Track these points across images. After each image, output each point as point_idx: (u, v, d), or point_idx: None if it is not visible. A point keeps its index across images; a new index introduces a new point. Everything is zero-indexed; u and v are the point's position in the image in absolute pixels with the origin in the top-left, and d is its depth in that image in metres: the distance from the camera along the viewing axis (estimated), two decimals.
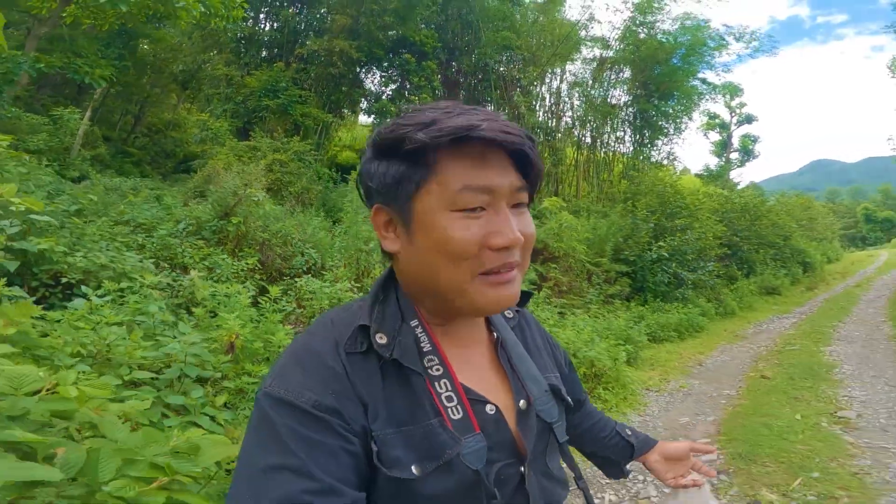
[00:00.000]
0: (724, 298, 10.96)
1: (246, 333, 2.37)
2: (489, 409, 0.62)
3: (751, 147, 37.26)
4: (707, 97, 18.69)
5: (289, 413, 0.53)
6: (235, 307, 2.82)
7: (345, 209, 6.79)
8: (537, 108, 15.55)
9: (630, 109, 16.88)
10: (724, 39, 16.67)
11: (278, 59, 11.58)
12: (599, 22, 15.43)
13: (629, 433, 0.91)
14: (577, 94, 16.67)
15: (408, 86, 12.45)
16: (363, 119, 15.41)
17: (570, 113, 16.81)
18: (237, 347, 2.22)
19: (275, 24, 12.56)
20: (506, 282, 0.59)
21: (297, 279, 4.51)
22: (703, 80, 17.59)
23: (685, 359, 6.65)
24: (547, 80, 15.97)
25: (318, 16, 12.39)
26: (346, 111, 13.33)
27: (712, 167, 29.70)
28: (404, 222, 0.59)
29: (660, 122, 17.06)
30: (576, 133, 16.68)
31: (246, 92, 10.19)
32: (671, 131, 17.58)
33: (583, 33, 15.57)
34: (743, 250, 14.38)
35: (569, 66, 16.32)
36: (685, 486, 0.90)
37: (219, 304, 3.08)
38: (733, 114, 35.98)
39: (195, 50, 10.36)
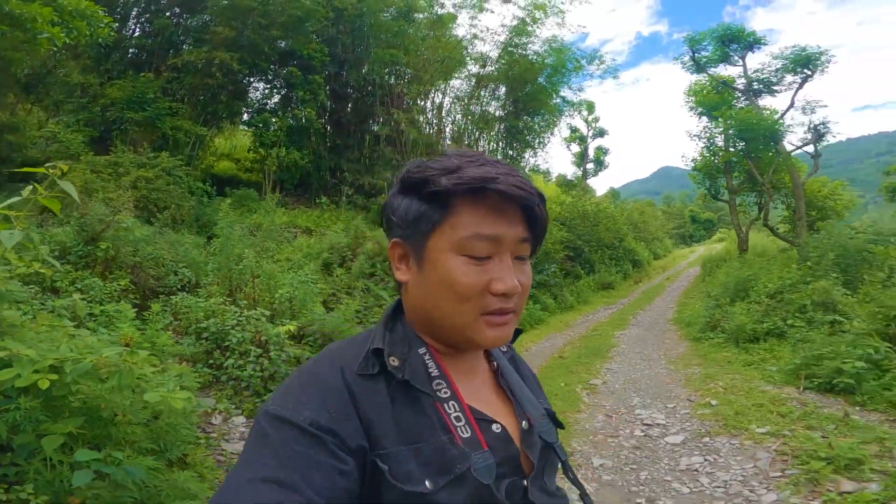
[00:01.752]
0: (565, 294, 13.20)
1: (137, 337, 3.05)
2: (495, 427, 0.65)
3: (602, 158, 42.69)
4: (567, 113, 20.83)
5: (285, 430, 0.55)
6: (122, 320, 3.42)
7: (219, 223, 6.99)
8: (422, 121, 16.46)
9: (502, 125, 18.39)
10: (580, 62, 18.61)
11: (147, 68, 11.14)
12: (482, 41, 16.61)
13: None
14: (458, 109, 17.86)
15: (294, 97, 12.60)
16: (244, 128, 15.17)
17: (450, 127, 18.00)
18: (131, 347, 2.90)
19: (147, 30, 11.99)
20: (502, 324, 0.64)
21: (171, 297, 5.02)
22: (563, 99, 19.55)
23: (516, 346, 8.28)
24: (431, 95, 16.95)
25: (197, 25, 12.01)
26: (224, 123, 13.03)
27: (570, 177, 33.89)
28: (417, 257, 0.65)
29: (527, 137, 18.94)
30: (455, 146, 18.26)
31: (105, 102, 9.72)
32: (536, 145, 19.59)
33: (467, 51, 16.68)
34: (585, 252, 17.12)
35: (451, 82, 17.35)
36: None
37: (98, 323, 3.63)
38: (589, 128, 41.04)
39: (45, 54, 9.63)
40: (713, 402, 4.56)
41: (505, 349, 0.80)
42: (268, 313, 4.54)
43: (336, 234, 8.30)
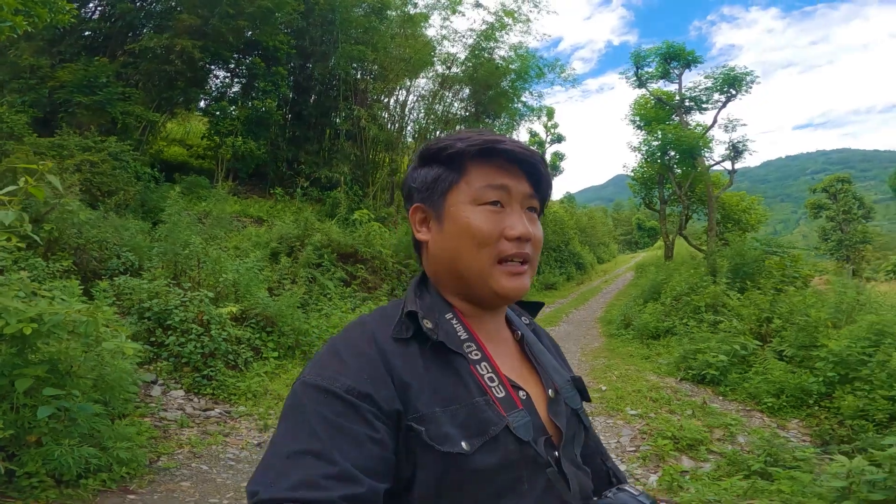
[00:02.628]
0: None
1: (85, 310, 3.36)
2: (521, 394, 0.66)
3: (558, 163, 44.13)
4: (527, 118, 21.18)
5: (321, 399, 0.56)
6: (70, 295, 3.69)
7: (168, 210, 7.05)
8: (385, 117, 16.58)
9: (464, 125, 18.37)
10: (542, 70, 19.01)
11: (103, 52, 10.88)
12: (451, 42, 16.91)
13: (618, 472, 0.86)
14: (421, 108, 17.96)
15: (255, 87, 12.53)
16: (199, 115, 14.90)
17: (412, 125, 18.03)
18: None
19: (107, 14, 11.60)
20: (518, 273, 0.68)
21: (114, 279, 5.23)
22: (524, 104, 19.98)
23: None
24: (396, 93, 17.08)
25: (162, 11, 11.72)
26: (179, 109, 12.77)
27: None
28: (437, 216, 0.70)
29: None
30: (415, 144, 17.74)
31: (54, 84, 9.51)
32: None
33: (435, 51, 16.76)
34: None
35: (417, 81, 17.37)
36: None
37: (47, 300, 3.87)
38: (548, 133, 42.37)
39: (3, 41, 9.26)
40: (603, 388, 5.30)
41: (528, 321, 0.82)
42: (211, 295, 4.87)
43: (286, 225, 8.58)
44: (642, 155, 16.46)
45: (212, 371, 4.42)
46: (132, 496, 2.68)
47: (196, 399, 4.26)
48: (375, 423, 0.56)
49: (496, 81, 17.59)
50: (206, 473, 3.13)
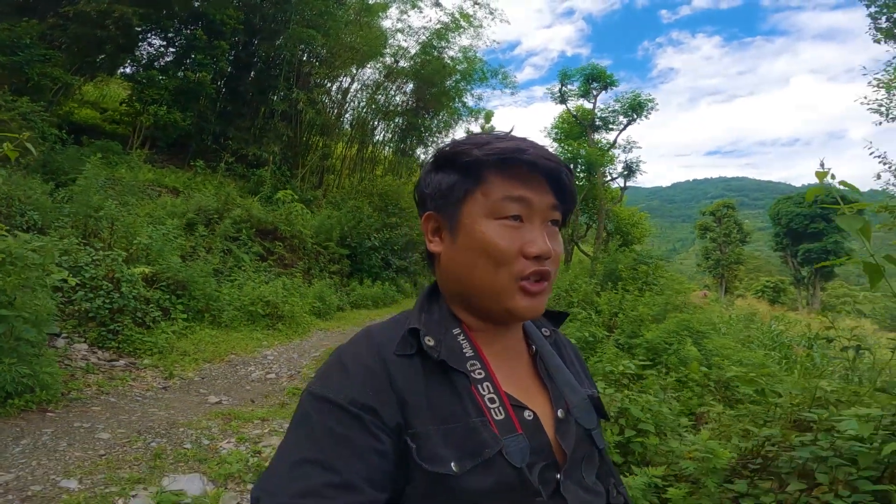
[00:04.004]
0: (423, 282, 14.86)
1: None
2: (527, 414, 0.63)
3: None
4: (465, 118, 21.74)
5: (326, 409, 0.57)
6: None
7: (85, 173, 6.70)
8: (325, 102, 16.44)
9: (403, 119, 19.12)
10: (485, 74, 19.86)
11: (33, 13, 10.17)
12: (405, 36, 17.55)
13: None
14: (363, 97, 18.05)
15: (188, 60, 12.16)
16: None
17: (351, 112, 18.21)
18: None
19: None
20: (536, 292, 0.63)
21: (17, 235, 5.33)
22: (464, 104, 20.68)
23: (363, 317, 9.60)
24: (340, 79, 16.99)
25: None
26: (102, 74, 12.09)
27: None
28: (451, 227, 0.65)
29: (424, 134, 19.93)
30: (351, 131, 18.15)
31: None
32: (430, 143, 20.53)
33: (388, 44, 17.02)
34: None
35: (362, 70, 17.42)
36: None
37: None
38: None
39: None
40: None
41: (548, 333, 0.77)
42: (124, 254, 5.20)
43: (205, 197, 8.76)
44: None
45: (118, 326, 4.78)
46: (51, 414, 3.15)
47: (100, 352, 4.61)
48: (380, 434, 0.56)
49: (441, 80, 18.13)
50: (114, 404, 3.61)
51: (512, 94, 22.68)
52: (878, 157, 10.42)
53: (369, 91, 17.89)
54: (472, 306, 0.67)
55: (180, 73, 12.06)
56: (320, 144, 16.10)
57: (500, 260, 0.62)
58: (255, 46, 14.20)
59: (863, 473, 1.63)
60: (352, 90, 17.76)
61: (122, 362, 4.45)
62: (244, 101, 14.33)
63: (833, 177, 1.45)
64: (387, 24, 17.22)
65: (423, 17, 44.68)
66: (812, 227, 35.13)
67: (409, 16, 17.80)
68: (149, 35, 12.53)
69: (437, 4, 17.06)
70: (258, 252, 8.74)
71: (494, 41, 26.06)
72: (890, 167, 10.38)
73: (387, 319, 0.70)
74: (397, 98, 18.78)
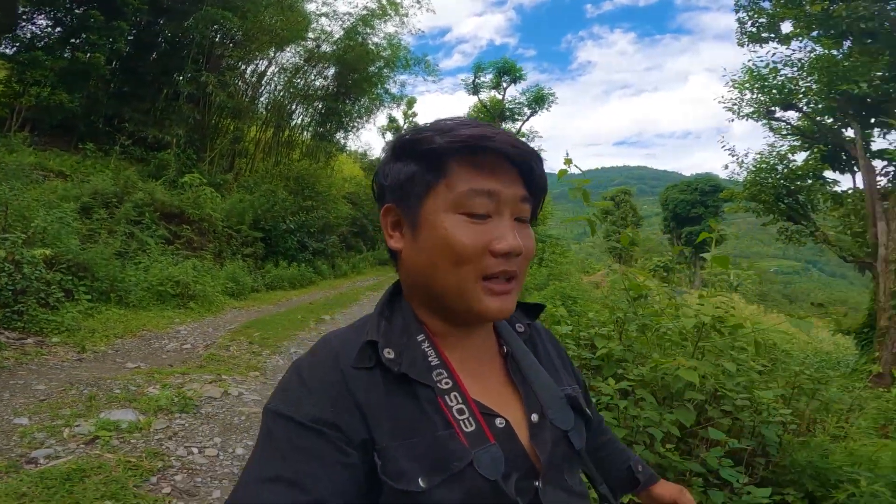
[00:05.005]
0: (340, 264, 15.18)
1: None
2: (499, 422, 0.60)
3: None
4: (387, 105, 22.09)
5: (287, 426, 0.54)
6: None
7: None
8: (240, 85, 15.84)
9: (322, 103, 18.75)
10: (409, 62, 20.15)
11: None
12: (330, 20, 16.96)
13: (640, 469, 0.86)
14: (281, 80, 17.47)
15: (78, 40, 11.24)
16: None
17: (267, 95, 17.60)
18: None
19: None
20: (503, 292, 0.60)
21: None
22: (387, 90, 20.80)
23: (278, 297, 9.87)
24: (257, 62, 16.37)
25: None
26: None
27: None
28: (411, 222, 0.61)
29: (344, 119, 19.70)
30: (267, 115, 17.55)
31: None
32: (350, 127, 20.63)
33: (312, 27, 16.57)
34: (370, 230, 19.40)
35: (281, 53, 16.83)
36: None
37: None
38: (406, 121, 44.03)
39: None
40: None
41: (522, 328, 0.74)
42: (23, 236, 5.17)
43: (103, 181, 8.47)
44: None
45: (23, 307, 4.81)
46: None
47: (7, 332, 4.63)
48: (346, 448, 0.54)
49: (364, 66, 18.01)
50: (37, 370, 3.81)
51: (435, 82, 23.04)
52: (728, 150, 12.49)
53: (288, 74, 17.44)
54: (436, 308, 0.63)
55: (67, 54, 11.19)
56: (231, 128, 15.57)
57: (465, 258, 0.58)
58: (160, 26, 13.41)
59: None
60: (269, 73, 17.25)
61: (30, 340, 4.53)
62: (144, 81, 13.46)
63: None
64: (311, 7, 16.90)
65: (349, 2, 43.29)
66: (693, 211, 39.93)
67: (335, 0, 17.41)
68: (35, 15, 11.44)
69: None
70: (163, 235, 8.64)
71: (420, 30, 26.06)
72: (736, 158, 12.46)
73: (350, 325, 0.67)
74: (318, 82, 18.54)
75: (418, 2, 18.14)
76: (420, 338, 0.62)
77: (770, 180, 10.71)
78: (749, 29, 11.54)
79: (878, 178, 10.13)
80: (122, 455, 2.52)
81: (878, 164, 10.20)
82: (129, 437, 2.75)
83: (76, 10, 11.47)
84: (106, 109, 12.42)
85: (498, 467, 0.56)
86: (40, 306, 5.01)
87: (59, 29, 11.84)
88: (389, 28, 17.99)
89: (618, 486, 0.85)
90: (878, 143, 10.69)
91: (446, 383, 0.60)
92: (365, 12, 16.98)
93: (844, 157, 10.97)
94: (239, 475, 0.58)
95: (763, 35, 11.31)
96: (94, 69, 11.23)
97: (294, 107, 18.42)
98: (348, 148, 23.20)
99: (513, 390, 0.66)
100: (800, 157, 11.36)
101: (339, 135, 20.57)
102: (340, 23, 16.96)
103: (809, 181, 11.09)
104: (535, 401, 0.65)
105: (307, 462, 0.53)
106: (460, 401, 0.59)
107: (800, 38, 10.80)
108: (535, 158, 0.62)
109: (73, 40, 11.54)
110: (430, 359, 0.61)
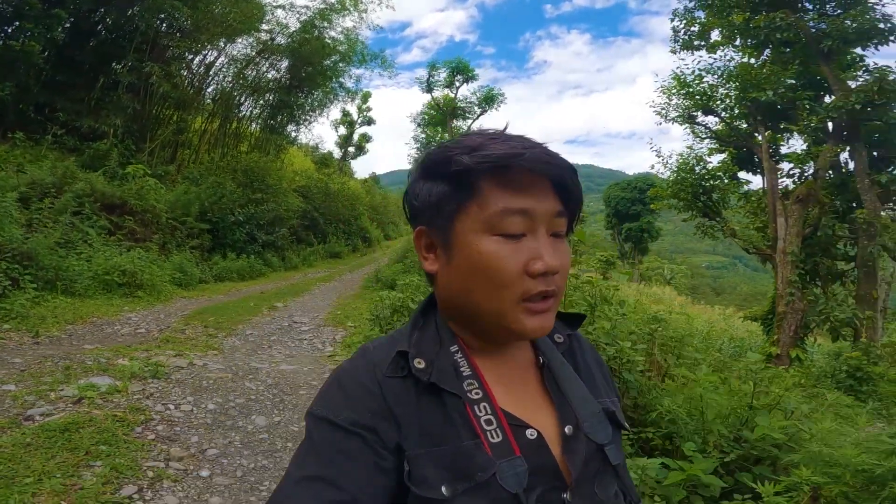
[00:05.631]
0: (291, 257, 15.20)
1: None
2: (530, 433, 0.60)
3: (364, 144, 45.76)
4: (341, 98, 21.50)
5: (327, 429, 0.57)
6: None
7: None
8: (185, 75, 15.37)
9: (274, 95, 18.37)
10: (365, 57, 19.64)
11: None
12: (286, 12, 16.60)
13: None
14: (230, 71, 16.98)
15: (10, 28, 10.68)
16: None
17: (215, 86, 17.09)
18: None
19: None
20: (542, 311, 0.59)
21: None
22: (341, 84, 20.26)
23: (228, 288, 9.93)
24: (205, 52, 15.81)
25: None
26: None
27: (336, 157, 36.21)
28: (444, 244, 0.61)
29: (296, 112, 19.43)
30: (214, 106, 17.14)
31: None
32: (301, 120, 20.28)
33: (266, 19, 16.08)
34: (321, 223, 19.38)
35: (232, 44, 16.37)
36: None
37: None
38: (360, 115, 43.57)
39: None
40: (338, 312, 7.37)
41: (561, 339, 0.73)
42: None
43: (40, 171, 8.24)
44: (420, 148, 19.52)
45: None
46: None
47: None
48: (382, 452, 0.56)
49: (319, 59, 17.66)
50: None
51: (390, 78, 22.95)
52: (655, 151, 13.63)
53: (238, 66, 16.97)
54: (472, 325, 0.64)
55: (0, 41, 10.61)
56: (175, 118, 15.12)
57: (502, 282, 0.58)
58: (100, 14, 12.91)
59: None
60: (218, 63, 16.70)
61: None
62: (80, 70, 12.88)
63: None
64: None
65: None
66: (633, 209, 42.37)
67: None
68: None
69: None
70: (104, 226, 8.52)
71: (379, 26, 25.49)
72: (661, 159, 13.59)
73: (389, 335, 0.68)
74: (269, 74, 18.11)
75: None
76: (453, 349, 0.63)
77: (689, 180, 11.86)
78: (682, 37, 12.26)
79: (784, 180, 11.40)
80: (108, 411, 2.89)
81: (787, 165, 11.47)
82: (111, 397, 3.10)
83: None
84: (37, 98, 11.86)
85: (521, 480, 0.56)
86: None
87: None
88: (348, 23, 17.71)
89: None
90: (790, 147, 11.92)
91: (476, 394, 0.60)
92: (323, 6, 16.86)
93: (757, 160, 12.27)
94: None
95: (695, 43, 12.07)
96: (27, 57, 10.74)
97: (243, 98, 18.04)
98: (299, 141, 22.99)
99: (548, 402, 0.65)
100: (717, 159, 12.61)
101: (291, 127, 20.40)
102: (297, 15, 16.74)
103: (725, 181, 12.31)
104: (569, 413, 0.64)
105: (345, 463, 0.55)
106: (489, 411, 0.59)
107: (723, 48, 11.79)
108: (569, 172, 0.60)
109: (6, 28, 11.05)
110: (461, 369, 0.61)
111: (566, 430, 0.63)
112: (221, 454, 2.72)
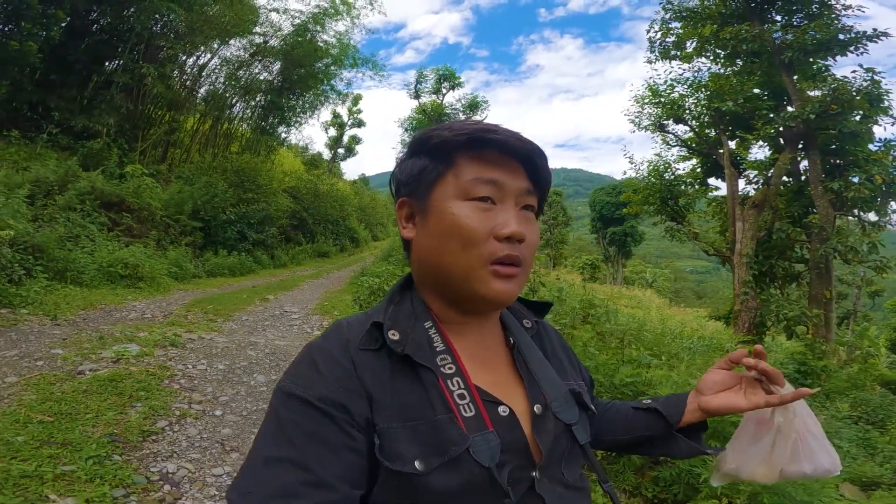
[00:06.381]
0: (280, 255, 15.69)
1: None
2: (502, 410, 0.62)
3: (353, 146, 46.03)
4: (332, 100, 21.82)
5: (296, 407, 0.56)
6: None
7: None
8: (177, 76, 15.59)
9: (266, 97, 18.64)
10: (356, 61, 20.06)
11: None
12: (280, 15, 17.03)
13: (648, 401, 0.83)
14: (223, 72, 17.25)
15: (9, 28, 10.93)
16: None
17: (207, 87, 17.36)
18: None
19: None
20: (508, 276, 0.62)
21: None
22: (332, 87, 20.60)
23: (220, 283, 10.45)
24: (198, 53, 16.10)
25: None
26: None
27: (326, 157, 36.63)
28: (422, 211, 0.65)
29: (287, 114, 19.68)
30: (206, 107, 17.40)
31: None
32: (292, 122, 20.53)
33: (261, 21, 16.44)
34: (309, 223, 19.85)
35: (225, 46, 16.64)
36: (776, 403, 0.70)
37: None
38: (350, 117, 43.83)
39: None
40: (326, 303, 7.97)
41: (529, 324, 0.76)
42: None
43: (44, 170, 8.71)
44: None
45: None
46: None
47: None
48: (351, 431, 0.56)
49: (311, 62, 17.99)
50: (29, 329, 4.50)
51: (380, 81, 23.20)
52: (628, 157, 14.34)
53: (231, 67, 17.26)
54: (444, 295, 0.66)
55: None
56: (167, 118, 15.45)
57: (470, 241, 0.61)
58: (96, 14, 13.19)
59: None
60: (210, 65, 16.98)
61: (3, 311, 5.09)
62: (72, 69, 13.04)
63: None
64: (262, 1, 16.79)
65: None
66: (617, 213, 43.29)
67: None
68: None
69: None
70: (104, 223, 9.00)
71: (371, 31, 25.36)
72: (634, 166, 14.27)
73: (362, 313, 0.69)
74: (262, 76, 18.40)
75: (371, 3, 18.41)
76: (427, 324, 0.65)
77: (657, 185, 12.62)
78: (658, 48, 12.53)
79: (748, 187, 11.95)
80: (142, 367, 3.59)
81: (753, 173, 12.02)
82: (141, 359, 3.81)
83: None
84: (31, 96, 12.07)
85: (493, 454, 0.57)
86: (7, 282, 5.52)
87: None
88: (340, 27, 18.10)
89: (652, 429, 0.80)
90: (755, 155, 12.43)
91: (449, 368, 0.61)
92: (317, 10, 17.17)
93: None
94: (249, 451, 0.58)
95: (672, 53, 12.38)
96: (24, 57, 10.90)
97: (235, 100, 18.29)
98: (289, 141, 23.39)
99: (518, 382, 0.67)
100: (686, 166, 13.27)
101: (281, 129, 20.71)
102: (291, 19, 17.04)
103: (695, 187, 12.96)
104: (538, 393, 0.67)
105: (313, 443, 0.54)
106: (462, 386, 0.61)
107: (698, 58, 11.96)
108: (537, 153, 0.65)
109: (3, 27, 11.29)
110: (435, 344, 0.63)
111: (535, 408, 0.65)
112: (231, 400, 3.43)
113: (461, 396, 0.60)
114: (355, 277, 12.43)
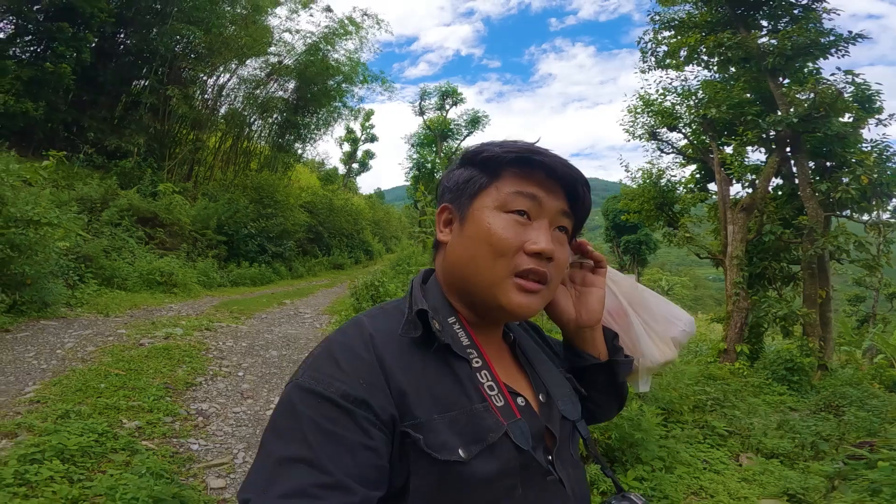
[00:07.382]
0: (297, 267, 16.64)
1: None
2: (520, 400, 0.66)
3: (367, 161, 47.15)
4: (345, 117, 23.07)
5: (315, 404, 0.56)
6: None
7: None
8: (198, 96, 16.40)
9: (282, 115, 19.52)
10: (367, 77, 20.95)
11: None
12: (293, 35, 17.58)
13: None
14: (241, 91, 18.08)
15: (45, 50, 11.81)
16: None
17: (227, 106, 18.19)
18: None
19: None
20: (531, 291, 0.64)
21: None
22: (344, 103, 21.51)
23: (243, 290, 11.40)
24: (218, 73, 17.03)
25: None
26: None
27: (341, 172, 37.94)
28: (461, 217, 0.67)
29: (302, 131, 20.79)
30: (226, 125, 18.26)
31: None
32: (308, 139, 21.64)
33: (274, 42, 17.36)
34: (325, 237, 20.81)
35: (243, 66, 17.42)
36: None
37: None
38: (363, 132, 45.07)
39: None
40: (335, 306, 8.81)
41: (518, 322, 0.79)
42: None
43: (88, 188, 9.79)
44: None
45: (53, 285, 6.28)
46: (56, 322, 5.00)
47: None
48: (371, 430, 0.55)
49: (324, 80, 18.86)
50: (91, 321, 5.47)
51: (390, 97, 24.13)
52: (623, 165, 14.88)
53: (249, 87, 18.09)
54: (467, 299, 0.68)
55: (36, 63, 11.70)
56: (191, 137, 16.38)
57: (501, 251, 0.63)
58: (123, 36, 14.01)
59: None
60: (229, 84, 17.90)
61: (63, 308, 6.04)
62: (103, 90, 13.84)
63: None
64: (275, 22, 17.70)
65: (313, 20, 42.82)
66: (630, 221, 43.20)
67: (298, 15, 17.92)
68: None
69: (329, 10, 17.96)
70: (140, 236, 10.05)
71: (379, 49, 25.78)
72: (629, 174, 14.70)
73: (377, 307, 0.70)
74: (277, 94, 19.14)
75: (378, 24, 19.38)
76: (451, 320, 0.67)
77: (651, 192, 13.16)
78: (650, 57, 12.77)
79: (742, 191, 12.13)
80: (186, 342, 4.60)
81: (750, 177, 12.19)
82: (185, 337, 4.91)
83: (42, 20, 11.93)
84: (65, 116, 12.70)
85: (527, 439, 0.62)
86: (67, 287, 6.50)
87: (27, 37, 12.34)
88: (350, 45, 19.10)
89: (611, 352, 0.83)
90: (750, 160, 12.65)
91: (477, 362, 0.64)
92: (327, 30, 18.05)
93: None
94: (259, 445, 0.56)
95: (666, 62, 12.57)
96: (59, 79, 11.60)
97: (253, 118, 19.18)
98: (305, 157, 24.46)
99: (521, 373, 0.73)
100: (684, 172, 13.59)
101: (297, 145, 21.67)
102: (303, 39, 17.92)
103: (694, 192, 13.23)
104: (539, 383, 0.72)
105: (330, 444, 0.53)
106: (490, 378, 0.64)
107: (691, 65, 12.12)
108: (581, 181, 0.68)
109: (37, 49, 12.06)
110: (461, 339, 0.66)
111: (540, 397, 0.70)
112: (250, 366, 4.59)
113: (490, 388, 0.63)
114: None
